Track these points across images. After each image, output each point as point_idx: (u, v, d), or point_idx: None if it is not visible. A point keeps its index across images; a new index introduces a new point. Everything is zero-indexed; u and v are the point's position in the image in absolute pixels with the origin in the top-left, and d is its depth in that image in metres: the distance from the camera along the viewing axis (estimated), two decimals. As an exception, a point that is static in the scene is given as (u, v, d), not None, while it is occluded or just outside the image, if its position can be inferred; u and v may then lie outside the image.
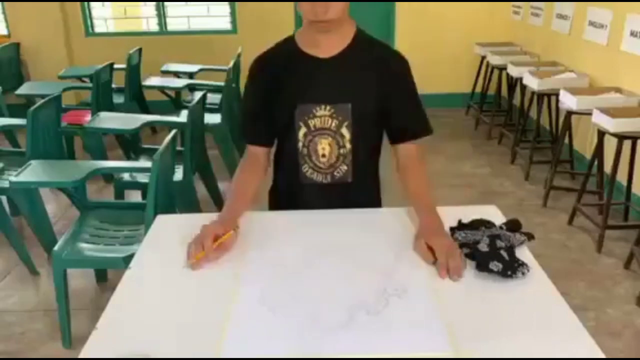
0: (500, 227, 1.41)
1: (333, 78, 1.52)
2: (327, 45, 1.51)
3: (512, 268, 1.25)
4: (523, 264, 1.27)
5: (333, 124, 1.54)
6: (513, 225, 1.43)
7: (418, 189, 1.55)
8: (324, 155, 1.57)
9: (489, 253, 1.29)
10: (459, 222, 1.44)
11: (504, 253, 1.28)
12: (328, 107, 1.52)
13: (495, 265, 1.25)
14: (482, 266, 1.27)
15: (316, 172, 1.59)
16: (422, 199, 1.52)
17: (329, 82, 1.52)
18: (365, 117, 1.55)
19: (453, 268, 1.28)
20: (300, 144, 1.56)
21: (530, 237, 1.40)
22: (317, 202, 1.61)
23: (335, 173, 1.59)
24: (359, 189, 1.63)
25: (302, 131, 1.55)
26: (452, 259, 1.29)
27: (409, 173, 1.59)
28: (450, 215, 1.51)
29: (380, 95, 1.54)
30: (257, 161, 1.63)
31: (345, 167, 1.59)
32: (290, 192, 1.65)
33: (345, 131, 1.54)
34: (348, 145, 1.56)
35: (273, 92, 1.55)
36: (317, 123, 1.54)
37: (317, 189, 1.61)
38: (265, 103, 1.57)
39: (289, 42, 1.57)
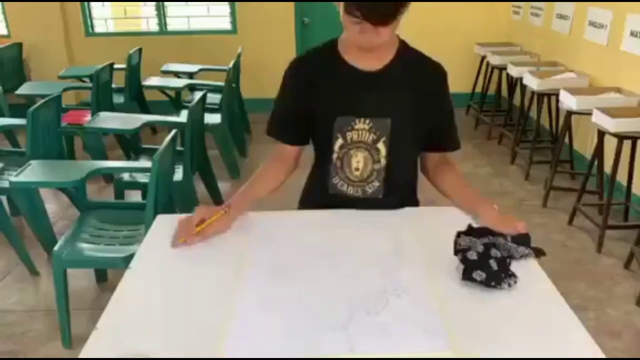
0: (505, 238, 1.38)
1: (374, 92, 1.49)
2: (371, 59, 1.48)
3: (497, 279, 1.23)
4: (512, 275, 1.24)
5: (370, 138, 1.51)
6: (521, 239, 1.39)
7: (458, 181, 1.60)
8: (357, 169, 1.54)
9: (476, 262, 1.27)
10: (469, 225, 1.41)
11: (493, 263, 1.26)
12: (367, 121, 1.49)
13: (478, 275, 1.23)
14: (466, 275, 1.25)
15: (347, 184, 1.56)
16: (467, 189, 1.58)
17: (370, 96, 1.49)
18: (404, 133, 1.52)
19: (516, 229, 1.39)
20: (335, 155, 1.54)
21: (538, 253, 1.37)
22: None
23: (366, 188, 1.56)
24: (390, 206, 1.58)
25: (339, 143, 1.52)
26: (513, 227, 1.39)
27: (440, 170, 1.63)
28: (451, 215, 1.51)
29: (419, 111, 1.52)
30: (282, 157, 1.62)
31: (377, 184, 1.56)
32: (318, 202, 1.62)
33: (381, 146, 1.52)
34: (383, 161, 1.53)
35: (311, 97, 1.52)
36: (354, 136, 1.51)
37: (346, 201, 1.57)
38: (299, 105, 1.54)
39: (331, 47, 1.53)
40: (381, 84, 1.49)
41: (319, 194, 1.62)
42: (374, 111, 1.49)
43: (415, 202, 1.71)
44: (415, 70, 1.52)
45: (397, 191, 1.60)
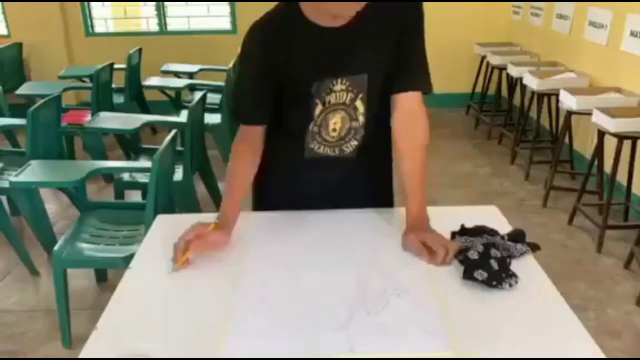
0: (502, 237, 1.38)
1: (348, 48, 1.38)
2: (340, 18, 1.35)
3: (498, 278, 1.23)
4: (513, 275, 1.24)
5: (348, 98, 1.42)
6: (517, 235, 1.40)
7: (414, 168, 1.47)
8: (334, 130, 1.46)
9: (477, 261, 1.27)
10: (462, 226, 1.41)
11: (493, 263, 1.26)
12: (344, 80, 1.40)
13: (480, 274, 1.23)
14: (468, 274, 1.25)
15: (324, 145, 1.49)
16: (417, 190, 1.45)
17: (345, 53, 1.38)
18: (381, 86, 1.44)
19: (442, 260, 1.31)
20: (312, 123, 1.45)
21: (534, 248, 1.38)
22: (317, 177, 1.53)
23: (344, 147, 1.50)
24: (364, 169, 1.54)
25: (318, 109, 1.43)
26: (451, 249, 1.32)
27: (404, 136, 1.48)
28: (450, 215, 1.50)
29: (394, 55, 1.41)
30: (255, 143, 1.49)
31: (355, 142, 1.50)
32: (288, 167, 1.53)
33: (359, 104, 1.44)
34: (361, 119, 1.46)
35: (280, 67, 1.38)
36: (332, 99, 1.42)
37: (322, 162, 1.51)
38: (267, 80, 1.41)
39: (293, 7, 1.37)
40: (353, 38, 1.37)
41: (287, 158, 1.53)
42: (350, 69, 1.40)
43: (389, 175, 1.64)
44: (386, 13, 1.39)
45: (374, 151, 1.54)
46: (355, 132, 1.49)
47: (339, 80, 1.40)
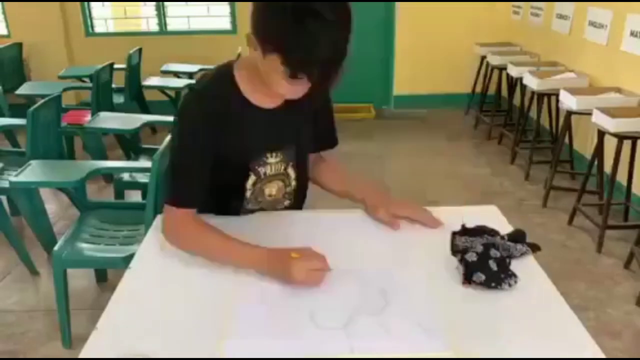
0: (503, 237, 1.38)
1: (280, 125, 1.46)
2: (278, 99, 1.42)
3: (497, 279, 1.23)
4: (512, 275, 1.24)
5: (282, 168, 1.53)
6: (517, 236, 1.39)
7: (345, 173, 1.66)
8: (270, 195, 1.55)
9: (475, 263, 1.26)
10: (462, 226, 1.40)
11: (492, 264, 1.25)
12: (278, 154, 1.50)
13: (478, 277, 1.23)
14: (466, 278, 1.25)
15: (259, 207, 1.57)
16: (351, 176, 1.62)
17: (278, 130, 1.47)
18: (305, 151, 1.60)
19: (430, 220, 1.47)
20: (248, 192, 1.52)
21: (535, 248, 1.38)
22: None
23: (277, 206, 1.60)
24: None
25: (252, 180, 1.50)
26: (422, 213, 1.47)
27: (318, 167, 1.67)
28: (450, 215, 1.50)
29: (314, 125, 1.57)
30: (200, 220, 1.40)
31: (287, 202, 1.61)
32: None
33: (290, 171, 1.55)
34: (294, 184, 1.58)
35: (221, 141, 1.39)
36: (268, 170, 1.50)
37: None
38: (209, 154, 1.39)
39: (229, 83, 1.39)
40: (284, 116, 1.45)
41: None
42: (282, 143, 1.50)
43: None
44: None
45: (300, 204, 1.67)
46: (289, 195, 1.60)
47: (273, 154, 1.50)
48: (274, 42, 1.19)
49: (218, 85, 1.40)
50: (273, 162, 1.50)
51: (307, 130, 1.56)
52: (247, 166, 1.47)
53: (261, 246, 1.30)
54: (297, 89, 1.28)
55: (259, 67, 1.29)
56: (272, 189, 1.55)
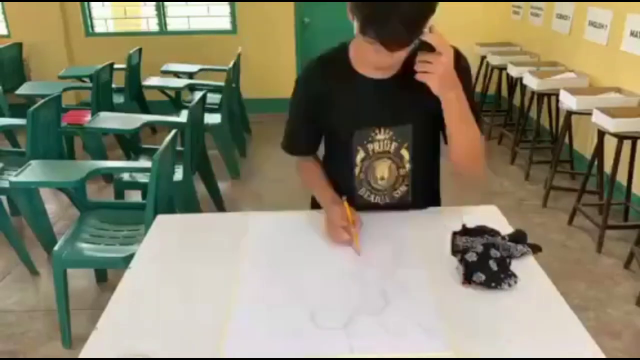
0: (503, 238, 1.38)
1: (392, 99, 1.42)
2: (385, 69, 1.39)
3: (497, 279, 1.23)
4: (512, 275, 1.24)
5: (393, 147, 1.47)
6: (518, 236, 1.39)
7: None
8: (382, 178, 1.51)
9: (475, 263, 1.26)
10: (463, 226, 1.41)
11: (492, 264, 1.26)
12: (388, 130, 1.45)
13: (477, 277, 1.23)
14: (466, 278, 1.25)
15: (373, 194, 1.54)
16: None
17: (389, 104, 1.43)
18: (426, 136, 1.49)
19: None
20: (357, 169, 1.50)
21: (536, 249, 1.38)
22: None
23: (394, 194, 1.54)
24: (419, 207, 1.58)
25: (360, 156, 1.48)
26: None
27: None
28: (450, 215, 1.50)
29: (440, 106, 1.38)
30: (313, 159, 1.64)
31: (404, 188, 1.54)
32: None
33: (404, 152, 1.49)
34: (407, 166, 1.51)
35: (326, 112, 1.47)
36: (376, 147, 1.47)
37: (376, 210, 1.54)
38: (314, 121, 1.51)
39: (343, 55, 1.45)
40: (398, 89, 1.41)
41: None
42: (394, 119, 1.45)
43: (439, 202, 1.70)
44: None
45: (424, 193, 1.59)
46: (403, 179, 1.53)
47: (382, 130, 1.46)
48: (353, 5, 1.24)
49: (331, 58, 1.48)
50: (381, 139, 1.46)
51: (429, 110, 1.39)
52: (352, 138, 1.47)
53: (335, 195, 1.50)
54: (380, 56, 1.27)
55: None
56: (383, 171, 1.50)
